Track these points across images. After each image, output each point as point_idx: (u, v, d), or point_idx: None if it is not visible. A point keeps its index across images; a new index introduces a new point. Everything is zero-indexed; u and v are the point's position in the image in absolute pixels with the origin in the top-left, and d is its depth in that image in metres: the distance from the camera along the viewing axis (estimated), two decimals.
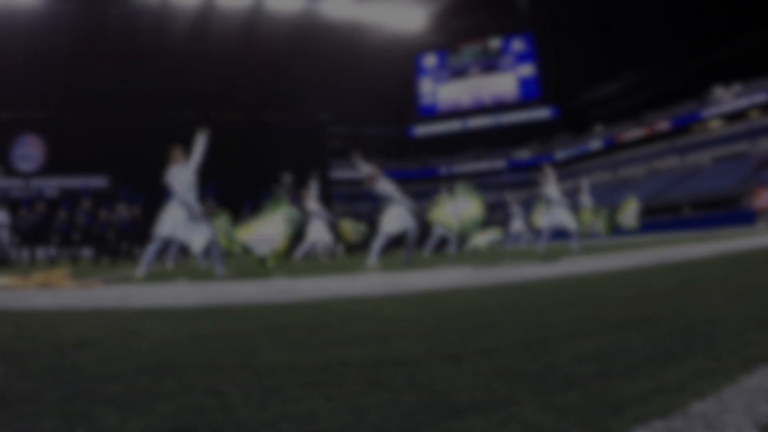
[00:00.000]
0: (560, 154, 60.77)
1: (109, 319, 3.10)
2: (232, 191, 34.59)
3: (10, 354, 2.07)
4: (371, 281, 5.89)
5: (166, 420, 1.29)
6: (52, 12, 38.03)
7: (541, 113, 61.57)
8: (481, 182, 61.43)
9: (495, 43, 63.03)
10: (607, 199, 45.18)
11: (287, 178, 14.78)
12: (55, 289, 5.44)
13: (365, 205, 59.35)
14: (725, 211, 35.03)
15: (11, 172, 36.16)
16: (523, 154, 63.00)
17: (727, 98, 46.91)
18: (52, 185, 37.17)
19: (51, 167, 37.47)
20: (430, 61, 64.97)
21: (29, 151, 37.45)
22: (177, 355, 2.04)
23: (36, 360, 1.97)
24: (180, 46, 39.75)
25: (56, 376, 1.72)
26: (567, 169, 58.98)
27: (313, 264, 11.59)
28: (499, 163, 63.08)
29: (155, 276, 7.89)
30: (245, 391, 1.52)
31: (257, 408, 1.37)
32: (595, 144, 57.80)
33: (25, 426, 1.26)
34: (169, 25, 39.71)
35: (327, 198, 41.70)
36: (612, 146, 55.89)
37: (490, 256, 12.52)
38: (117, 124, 37.62)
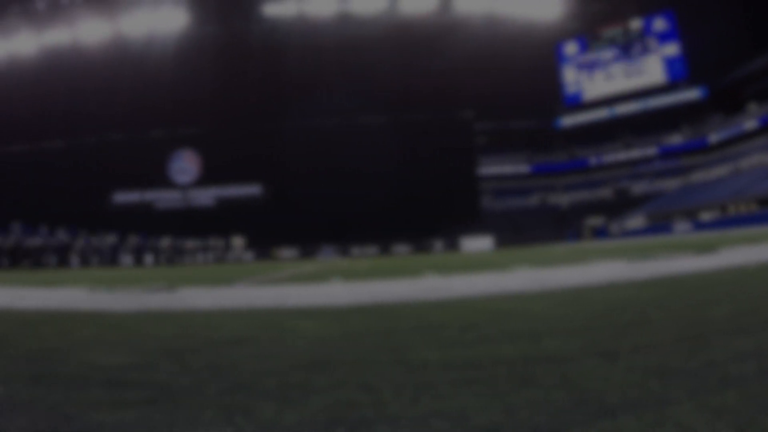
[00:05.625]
0: (713, 137, 56.24)
1: (264, 318, 3.24)
2: (382, 192, 35.31)
3: (173, 351, 2.21)
4: (520, 278, 5.75)
5: (319, 414, 1.32)
6: (196, 36, 41.14)
7: (691, 94, 57.43)
8: (632, 171, 58.40)
9: (635, 24, 59.79)
10: (766, 183, 41.07)
11: None
12: (216, 290, 5.80)
13: (512, 201, 58.64)
14: None
15: (169, 184, 39.56)
16: (675, 140, 59.04)
17: None
18: (207, 195, 40.14)
19: (205, 178, 40.50)
20: (570, 48, 62.89)
21: (185, 165, 40.78)
22: (330, 352, 2.08)
23: (196, 356, 2.08)
24: (320, 55, 41.34)
25: (215, 371, 1.81)
26: (722, 153, 54.54)
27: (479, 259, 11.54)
28: (650, 151, 59.57)
29: (309, 276, 8.19)
30: (397, 387, 1.52)
31: (408, 404, 1.37)
32: (749, 124, 52.79)
33: (186, 417, 1.32)
34: (307, 37, 41.46)
35: (475, 194, 41.65)
36: None
37: (644, 248, 11.89)
38: (266, 134, 39.87)
